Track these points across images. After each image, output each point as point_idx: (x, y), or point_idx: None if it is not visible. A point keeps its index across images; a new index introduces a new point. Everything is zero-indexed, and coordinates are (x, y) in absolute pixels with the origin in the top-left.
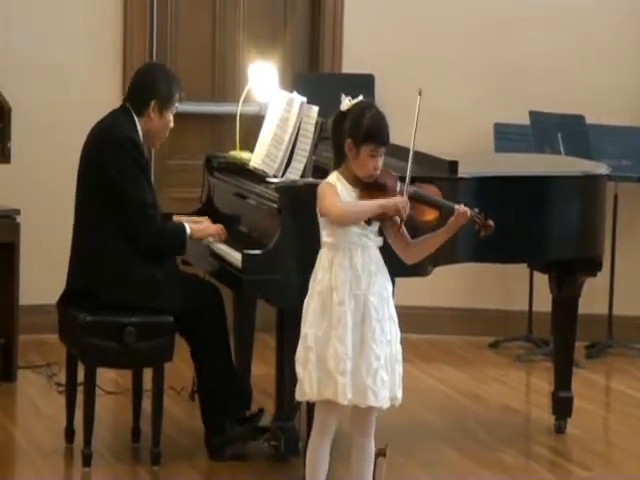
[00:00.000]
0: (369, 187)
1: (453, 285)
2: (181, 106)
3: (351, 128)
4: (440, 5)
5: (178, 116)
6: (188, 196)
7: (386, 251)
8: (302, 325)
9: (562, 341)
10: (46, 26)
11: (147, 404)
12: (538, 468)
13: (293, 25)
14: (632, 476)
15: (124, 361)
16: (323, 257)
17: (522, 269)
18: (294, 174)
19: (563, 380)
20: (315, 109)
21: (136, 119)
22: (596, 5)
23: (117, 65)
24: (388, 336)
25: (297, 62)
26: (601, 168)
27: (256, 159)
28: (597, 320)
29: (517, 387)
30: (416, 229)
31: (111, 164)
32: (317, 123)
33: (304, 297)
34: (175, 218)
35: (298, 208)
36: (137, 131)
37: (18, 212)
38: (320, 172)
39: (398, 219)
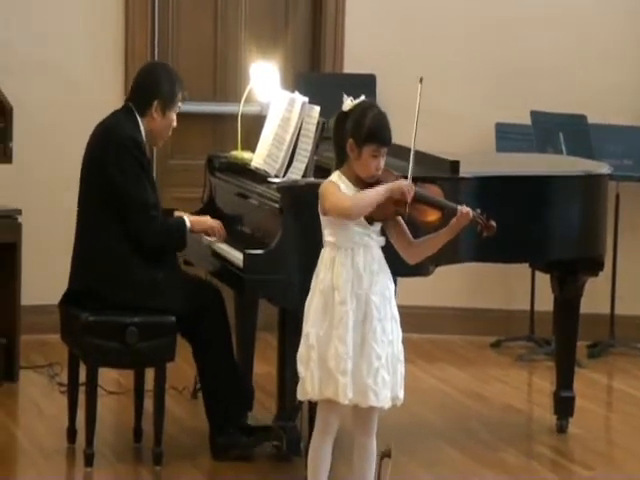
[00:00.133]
0: (371, 187)
1: (455, 285)
2: (183, 106)
3: (353, 128)
4: (441, 5)
5: (180, 116)
6: (190, 196)
7: (388, 251)
8: (304, 324)
9: (564, 341)
10: (47, 26)
11: (149, 404)
12: (540, 468)
13: (294, 25)
14: (634, 475)
15: (126, 361)
16: (325, 256)
17: (524, 269)
18: (296, 174)
19: (565, 380)
20: (316, 109)
21: (139, 119)
22: (596, 5)
23: (118, 65)
24: (390, 336)
25: (298, 62)
26: (603, 168)
27: (258, 159)
28: (599, 320)
29: (519, 387)
30: (418, 229)
31: (113, 164)
32: (318, 123)
33: (306, 297)
34: (176, 214)
35: (300, 208)
36: (140, 131)
37: (20, 212)
38: (322, 172)
39: (400, 213)
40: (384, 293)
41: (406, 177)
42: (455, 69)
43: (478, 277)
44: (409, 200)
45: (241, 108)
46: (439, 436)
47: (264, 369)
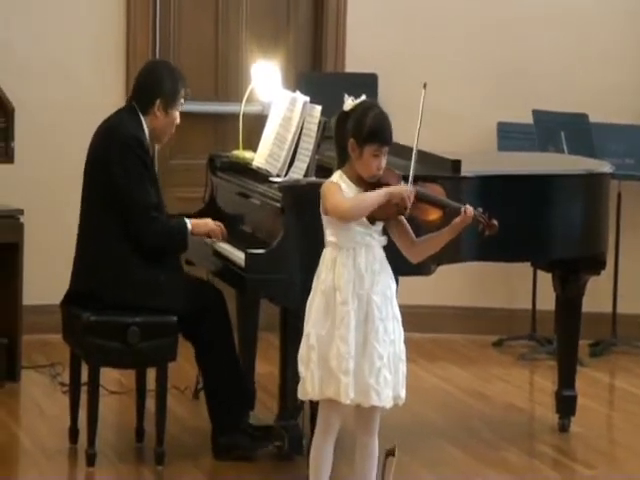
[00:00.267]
0: (372, 187)
1: (457, 284)
2: (185, 106)
3: (354, 128)
4: (442, 5)
5: (181, 116)
6: (191, 196)
7: (390, 250)
8: (305, 324)
9: (566, 339)
10: (48, 25)
11: (151, 404)
12: (542, 467)
13: (296, 24)
14: (636, 474)
15: (128, 361)
16: (327, 256)
17: (526, 268)
18: (297, 173)
19: (567, 378)
20: (318, 108)
21: (142, 118)
22: (596, 5)
23: (120, 65)
24: (392, 335)
25: (300, 61)
26: (604, 166)
27: (259, 158)
28: (601, 318)
29: (521, 386)
30: (420, 228)
31: (117, 163)
32: (320, 122)
33: (307, 296)
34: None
35: (301, 207)
36: (143, 130)
37: (22, 212)
38: (323, 171)
39: (401, 213)
40: (385, 293)
41: (408, 176)
42: (456, 68)
43: (480, 276)
44: (409, 206)
45: (242, 108)
46: (441, 435)
47: (266, 369)
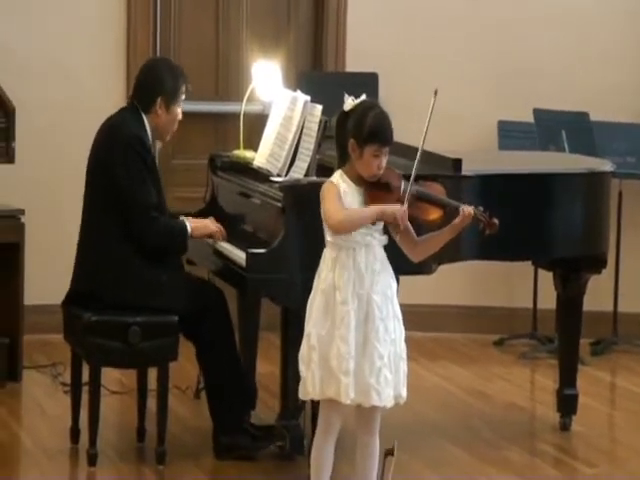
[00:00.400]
0: (373, 186)
1: (458, 283)
2: (185, 105)
3: (354, 128)
4: (443, 5)
5: (182, 115)
6: (192, 195)
7: (390, 249)
8: (306, 324)
9: (567, 338)
10: (48, 25)
11: (152, 403)
12: (543, 465)
13: (297, 24)
14: (637, 472)
15: (129, 361)
16: (327, 256)
17: (527, 267)
18: (298, 173)
19: (568, 377)
20: (319, 108)
21: (144, 116)
22: (596, 5)
23: (120, 65)
24: (392, 335)
25: (301, 61)
26: (605, 165)
27: (260, 158)
28: (602, 317)
29: (522, 384)
30: (420, 227)
31: (120, 164)
32: (321, 122)
33: (308, 296)
34: (181, 218)
35: (302, 207)
36: (145, 129)
37: (22, 212)
38: (324, 171)
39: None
40: (386, 292)
41: (409, 175)
42: (457, 68)
43: (481, 275)
44: (402, 227)
45: (243, 107)
46: (442, 434)
47: (267, 368)
